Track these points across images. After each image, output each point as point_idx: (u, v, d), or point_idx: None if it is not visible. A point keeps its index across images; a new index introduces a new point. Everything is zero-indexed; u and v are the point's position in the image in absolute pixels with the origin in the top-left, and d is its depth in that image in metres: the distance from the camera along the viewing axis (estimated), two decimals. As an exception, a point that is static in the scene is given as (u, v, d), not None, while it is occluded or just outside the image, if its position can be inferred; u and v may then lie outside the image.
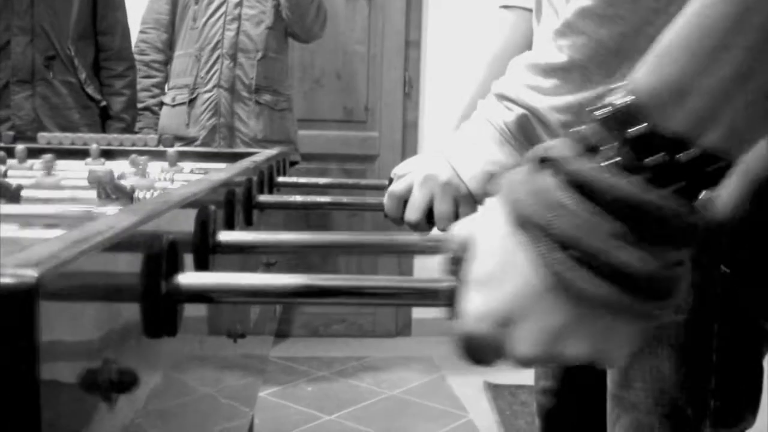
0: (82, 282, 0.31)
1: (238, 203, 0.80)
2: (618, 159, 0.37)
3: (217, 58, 2.55)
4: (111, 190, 0.71)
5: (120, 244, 0.36)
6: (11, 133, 1.50)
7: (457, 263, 0.44)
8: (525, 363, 0.41)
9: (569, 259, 0.37)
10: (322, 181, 1.42)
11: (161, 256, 0.43)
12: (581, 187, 0.37)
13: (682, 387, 0.76)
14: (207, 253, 0.60)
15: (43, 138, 1.43)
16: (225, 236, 0.64)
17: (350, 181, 1.48)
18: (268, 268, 1.26)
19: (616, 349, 0.40)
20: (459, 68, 3.22)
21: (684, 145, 0.36)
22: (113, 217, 0.41)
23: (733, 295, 0.74)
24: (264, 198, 0.96)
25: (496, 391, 2.70)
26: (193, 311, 0.55)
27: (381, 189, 1.22)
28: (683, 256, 0.38)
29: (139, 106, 2.61)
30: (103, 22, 2.56)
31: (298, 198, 1.04)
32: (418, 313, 3.42)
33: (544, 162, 0.39)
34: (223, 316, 0.75)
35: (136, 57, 2.62)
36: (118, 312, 0.37)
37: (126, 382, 0.34)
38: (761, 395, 0.79)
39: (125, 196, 0.72)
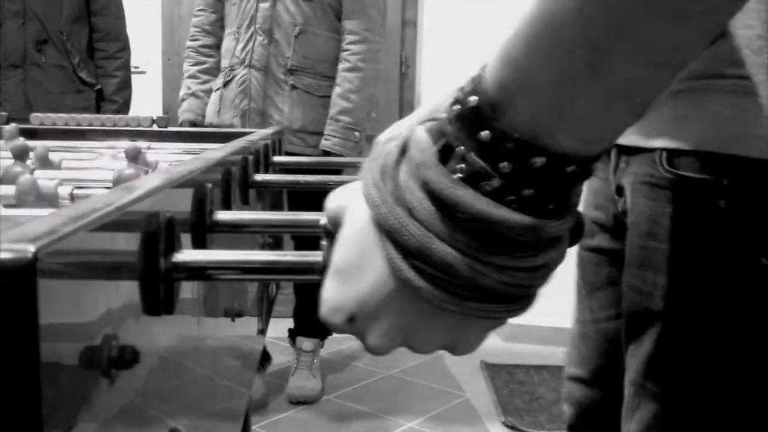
0: (79, 258, 0.31)
1: (234, 182, 0.79)
2: (470, 167, 0.35)
3: (252, 34, 2.25)
4: (34, 197, 0.63)
5: (117, 221, 0.36)
6: (5, 113, 1.49)
7: (329, 236, 0.43)
8: (375, 353, 0.42)
9: (419, 267, 0.36)
10: (317, 159, 1.41)
11: (159, 234, 0.42)
12: (435, 198, 0.36)
13: (712, 385, 0.71)
14: (204, 232, 0.59)
15: (36, 119, 1.42)
16: (222, 215, 0.63)
17: (345, 160, 1.46)
18: (263, 248, 1.26)
19: (467, 343, 0.42)
20: (456, 47, 3.20)
21: (534, 149, 0.34)
22: (110, 194, 0.41)
23: None
24: (260, 177, 0.96)
25: (493, 370, 2.71)
26: (191, 289, 0.55)
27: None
28: (542, 259, 0.37)
29: (182, 93, 2.40)
30: (96, 3, 2.54)
31: (294, 178, 1.03)
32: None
33: (405, 153, 0.37)
34: (221, 295, 0.75)
35: (187, 43, 2.41)
36: (116, 289, 0.36)
37: (126, 360, 0.34)
38: None
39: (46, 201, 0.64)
